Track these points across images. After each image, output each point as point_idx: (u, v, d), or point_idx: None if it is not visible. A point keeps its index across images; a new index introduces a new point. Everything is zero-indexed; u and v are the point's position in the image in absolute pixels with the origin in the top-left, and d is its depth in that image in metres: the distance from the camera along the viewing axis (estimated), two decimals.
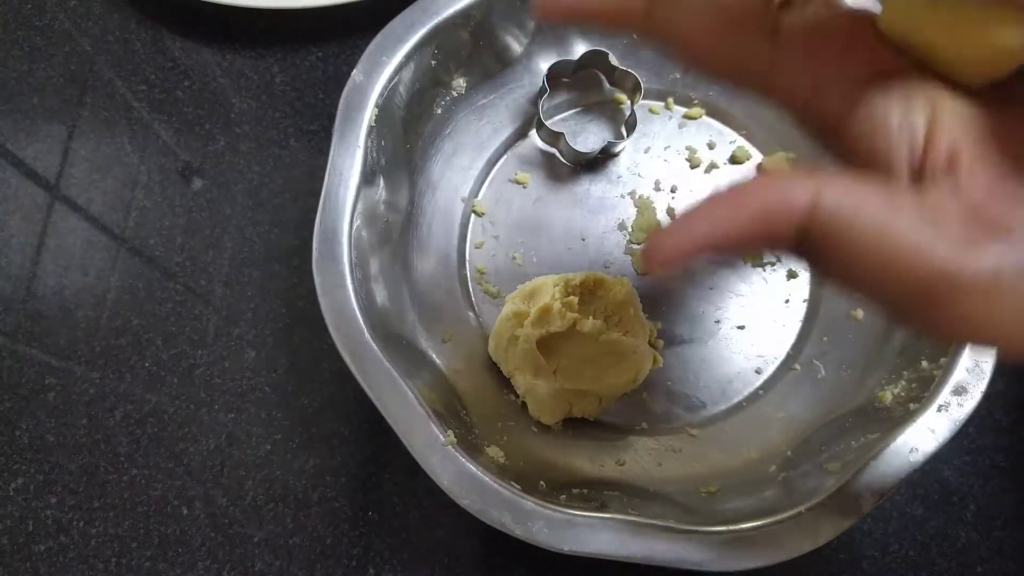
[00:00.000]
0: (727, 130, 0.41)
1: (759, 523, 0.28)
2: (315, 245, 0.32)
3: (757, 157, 0.41)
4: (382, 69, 0.34)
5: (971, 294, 0.15)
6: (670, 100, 0.42)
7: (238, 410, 0.37)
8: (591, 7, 0.20)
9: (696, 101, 0.42)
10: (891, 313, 0.17)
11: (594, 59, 0.40)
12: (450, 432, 0.30)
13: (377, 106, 0.34)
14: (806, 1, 0.19)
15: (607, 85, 0.42)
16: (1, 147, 0.43)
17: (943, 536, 0.35)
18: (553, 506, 0.29)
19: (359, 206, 0.33)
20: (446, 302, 0.38)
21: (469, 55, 0.38)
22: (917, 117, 0.17)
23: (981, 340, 0.16)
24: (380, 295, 0.34)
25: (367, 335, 0.31)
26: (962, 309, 0.15)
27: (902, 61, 0.18)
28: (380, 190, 0.35)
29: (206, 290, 0.40)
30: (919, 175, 0.17)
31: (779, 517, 0.29)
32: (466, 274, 0.39)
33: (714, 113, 0.41)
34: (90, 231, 0.41)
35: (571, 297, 0.35)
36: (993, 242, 0.15)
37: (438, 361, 0.35)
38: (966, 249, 0.15)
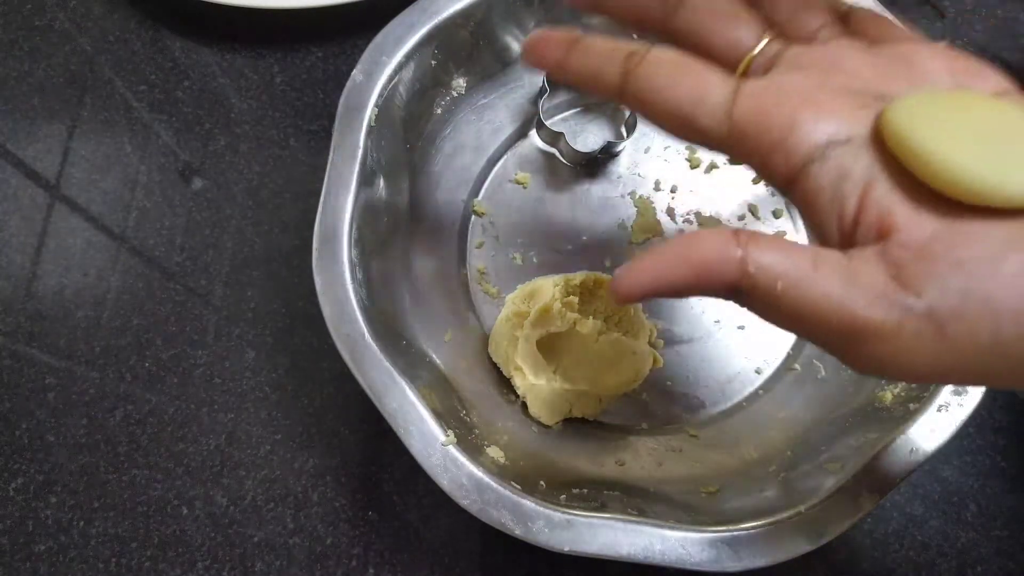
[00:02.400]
0: None
1: (759, 523, 0.28)
2: (315, 245, 0.32)
3: None
4: (382, 69, 0.34)
5: (877, 340, 0.18)
6: None
7: (238, 410, 0.37)
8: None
9: None
10: (818, 346, 0.20)
11: None
12: (450, 432, 0.30)
13: (377, 106, 0.34)
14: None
15: None
16: (1, 147, 0.43)
17: (943, 536, 0.35)
18: (553, 506, 0.29)
19: (359, 206, 0.33)
20: (446, 302, 0.38)
21: (469, 55, 0.38)
22: (850, 191, 0.20)
23: (887, 375, 0.19)
24: (380, 295, 0.34)
25: (367, 335, 0.31)
26: (870, 351, 0.18)
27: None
28: (380, 190, 0.35)
29: (206, 290, 0.40)
30: (849, 240, 0.20)
31: (779, 517, 0.29)
32: (466, 274, 0.39)
33: None
34: (90, 231, 0.41)
35: (571, 297, 0.35)
36: (901, 298, 0.18)
37: (438, 361, 0.35)
38: (876, 304, 0.18)
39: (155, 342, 0.39)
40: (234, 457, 0.37)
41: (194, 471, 0.36)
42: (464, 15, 0.36)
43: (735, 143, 0.22)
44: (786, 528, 0.28)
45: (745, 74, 0.23)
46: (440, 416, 0.30)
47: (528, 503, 0.29)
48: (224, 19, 0.44)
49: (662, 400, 0.37)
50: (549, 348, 0.35)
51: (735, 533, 0.28)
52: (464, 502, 0.29)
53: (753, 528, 0.28)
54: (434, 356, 0.35)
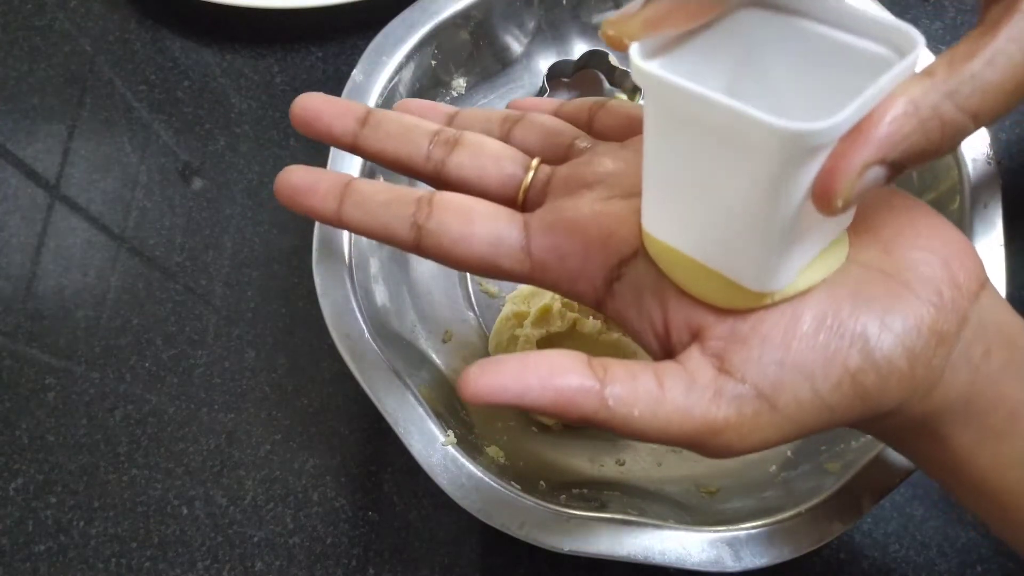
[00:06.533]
0: None
1: (759, 523, 0.28)
2: (315, 245, 0.32)
3: None
4: (382, 69, 0.34)
5: (724, 431, 0.19)
6: None
7: (238, 410, 0.37)
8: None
9: None
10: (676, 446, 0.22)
11: (594, 59, 0.40)
12: (450, 432, 0.30)
13: (377, 106, 0.34)
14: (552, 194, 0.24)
15: (607, 85, 0.42)
16: (1, 147, 0.43)
17: (943, 536, 0.35)
18: (553, 506, 0.29)
19: None
20: (446, 302, 0.38)
21: (469, 55, 0.38)
22: (651, 304, 0.21)
23: (743, 454, 0.20)
24: (380, 295, 0.34)
25: (367, 335, 0.31)
26: (722, 441, 0.20)
27: (637, 246, 0.22)
28: None
29: (206, 290, 0.40)
30: (668, 345, 0.21)
31: (779, 517, 0.29)
32: (466, 274, 0.39)
33: None
34: (90, 231, 0.41)
35: None
36: (731, 388, 0.19)
37: (438, 361, 0.35)
38: (714, 403, 0.19)
39: (155, 342, 0.39)
40: (234, 457, 0.37)
41: (194, 471, 0.36)
42: (464, 15, 0.36)
43: (540, 276, 0.23)
44: (786, 528, 0.28)
45: (525, 203, 0.24)
46: (440, 416, 0.30)
47: (528, 503, 0.29)
48: (224, 19, 0.44)
49: None
50: (549, 348, 0.35)
51: (735, 533, 0.28)
52: (464, 502, 0.29)
53: (753, 528, 0.28)
54: (434, 356, 0.35)
